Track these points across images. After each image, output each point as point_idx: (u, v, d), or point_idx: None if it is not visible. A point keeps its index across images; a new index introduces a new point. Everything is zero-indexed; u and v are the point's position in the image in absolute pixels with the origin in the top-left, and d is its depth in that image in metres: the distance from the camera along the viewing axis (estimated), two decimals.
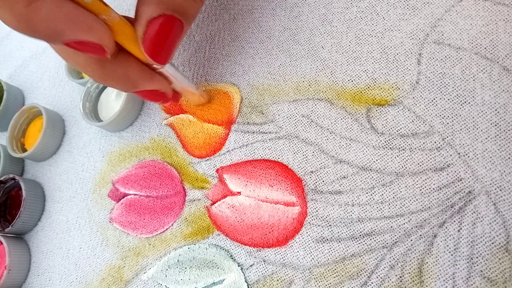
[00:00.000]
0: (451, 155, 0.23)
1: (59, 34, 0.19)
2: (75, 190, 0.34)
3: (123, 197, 0.32)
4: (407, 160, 0.23)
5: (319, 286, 0.23)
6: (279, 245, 0.25)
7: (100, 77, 0.24)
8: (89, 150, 0.35)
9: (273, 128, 0.28)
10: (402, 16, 0.26)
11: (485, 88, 0.23)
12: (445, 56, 0.24)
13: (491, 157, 0.22)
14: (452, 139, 0.23)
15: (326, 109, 0.27)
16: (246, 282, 0.25)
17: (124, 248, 0.30)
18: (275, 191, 0.26)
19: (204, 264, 0.27)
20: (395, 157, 0.24)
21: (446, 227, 0.21)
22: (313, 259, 0.24)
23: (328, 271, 0.23)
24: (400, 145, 0.24)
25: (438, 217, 0.22)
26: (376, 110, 0.25)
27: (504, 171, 0.21)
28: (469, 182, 0.22)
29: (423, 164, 0.23)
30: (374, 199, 0.23)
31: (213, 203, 0.28)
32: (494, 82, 0.23)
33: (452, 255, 0.21)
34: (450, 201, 0.22)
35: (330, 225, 0.24)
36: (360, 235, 0.23)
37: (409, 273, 0.21)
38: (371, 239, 0.23)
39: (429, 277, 0.21)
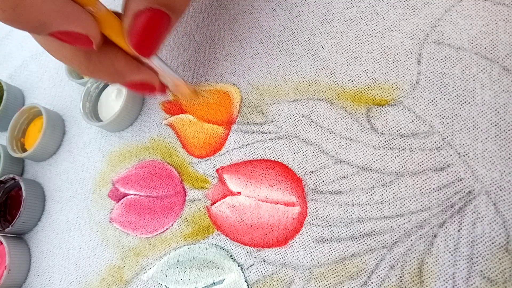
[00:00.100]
0: (451, 155, 0.23)
1: (46, 25, 0.19)
2: (75, 190, 0.34)
3: (123, 197, 0.32)
4: (407, 160, 0.23)
5: (319, 286, 0.23)
6: (279, 245, 0.25)
7: (87, 70, 0.24)
8: (89, 150, 0.35)
9: (273, 128, 0.28)
10: (402, 16, 0.26)
11: (485, 88, 0.23)
12: (445, 56, 0.24)
13: (491, 157, 0.22)
14: (452, 139, 0.23)
15: (326, 109, 0.27)
16: (246, 282, 0.25)
17: (124, 248, 0.30)
18: (275, 191, 0.26)
19: (204, 264, 0.27)
20: (395, 157, 0.24)
21: (446, 227, 0.21)
22: (313, 259, 0.24)
23: (328, 271, 0.23)
24: (400, 145, 0.24)
25: (438, 217, 0.22)
26: (376, 110, 0.25)
27: (504, 171, 0.21)
28: (469, 182, 0.22)
29: (423, 164, 0.23)
30: (374, 199, 0.23)
31: (213, 203, 0.28)
32: (494, 82, 0.23)
33: (452, 255, 0.21)
34: (450, 201, 0.22)
35: (330, 225, 0.24)
36: (360, 235, 0.23)
37: (409, 273, 0.21)
38: (371, 239, 0.23)
39: (429, 277, 0.21)
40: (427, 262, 0.21)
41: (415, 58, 0.25)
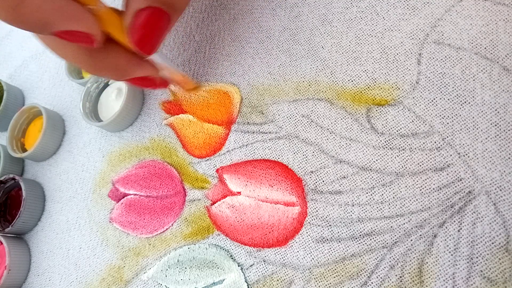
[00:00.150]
0: (451, 155, 0.23)
1: (48, 25, 0.19)
2: (75, 190, 0.34)
3: (123, 197, 0.32)
4: (407, 160, 0.23)
5: (319, 286, 0.23)
6: (279, 245, 0.25)
7: (90, 67, 0.24)
8: (89, 150, 0.35)
9: (273, 128, 0.28)
10: (402, 16, 0.26)
11: (485, 88, 0.23)
12: (445, 56, 0.24)
13: (491, 157, 0.22)
14: (452, 139, 0.23)
15: (326, 109, 0.27)
16: (246, 282, 0.25)
17: (124, 248, 0.30)
18: (275, 191, 0.26)
19: (204, 264, 0.27)
20: (395, 157, 0.24)
21: (446, 227, 0.21)
22: (313, 259, 0.24)
23: (328, 271, 0.23)
24: (400, 145, 0.24)
25: (438, 217, 0.22)
26: (376, 110, 0.25)
27: (504, 171, 0.21)
28: (469, 182, 0.22)
29: (423, 164, 0.23)
30: (374, 199, 0.23)
31: (213, 203, 0.28)
32: (494, 82, 0.23)
33: (452, 255, 0.21)
34: (450, 201, 0.22)
35: (330, 225, 0.24)
36: (360, 235, 0.23)
37: (409, 273, 0.21)
38: (371, 239, 0.23)
39: (429, 277, 0.21)
40: (427, 262, 0.21)
41: (415, 58, 0.25)
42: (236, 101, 0.30)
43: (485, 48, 0.23)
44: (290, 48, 0.29)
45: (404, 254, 0.22)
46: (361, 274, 0.22)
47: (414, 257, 0.22)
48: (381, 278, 0.22)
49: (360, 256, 0.23)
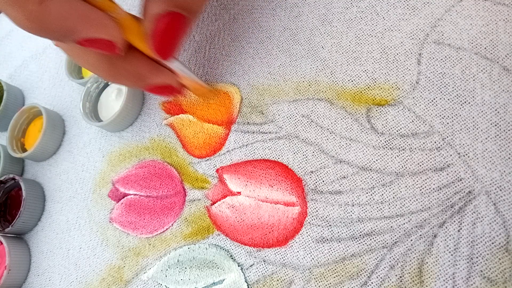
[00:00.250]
0: (451, 155, 0.23)
1: (72, 32, 0.19)
2: (75, 190, 0.34)
3: (123, 197, 0.32)
4: (407, 160, 0.23)
5: (319, 286, 0.23)
6: (279, 245, 0.25)
7: (110, 75, 0.24)
8: (89, 150, 0.35)
9: (273, 128, 0.28)
10: (402, 16, 0.26)
11: (485, 88, 0.23)
12: (445, 56, 0.24)
13: (491, 157, 0.22)
14: (452, 139, 0.23)
15: (326, 109, 0.27)
16: (246, 282, 0.25)
17: (124, 248, 0.30)
18: (275, 191, 0.26)
19: (204, 264, 0.27)
20: (395, 157, 0.24)
21: (446, 227, 0.21)
22: (313, 259, 0.24)
23: (328, 271, 0.23)
24: (400, 145, 0.24)
25: (438, 217, 0.22)
26: (376, 110, 0.25)
27: (504, 171, 0.21)
28: (469, 182, 0.22)
29: (423, 164, 0.23)
30: (374, 199, 0.23)
31: (213, 203, 0.28)
32: (494, 82, 0.23)
33: (452, 255, 0.21)
34: (450, 201, 0.22)
35: (330, 225, 0.24)
36: (360, 235, 0.23)
37: (409, 273, 0.21)
38: (371, 239, 0.23)
39: (429, 277, 0.21)
40: (427, 262, 0.21)
41: (415, 58, 0.25)
42: (236, 101, 0.30)
43: (485, 48, 0.23)
44: (290, 48, 0.29)
45: (404, 254, 0.22)
46: (361, 274, 0.22)
47: (414, 257, 0.22)
48: (381, 278, 0.22)
49: (360, 256, 0.23)
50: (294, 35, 0.29)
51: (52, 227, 0.34)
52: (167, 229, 0.29)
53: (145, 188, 0.31)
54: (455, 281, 0.20)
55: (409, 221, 0.22)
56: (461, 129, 0.23)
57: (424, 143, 0.23)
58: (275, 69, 0.29)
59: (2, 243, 0.33)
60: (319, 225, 0.24)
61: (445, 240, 0.21)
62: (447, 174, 0.22)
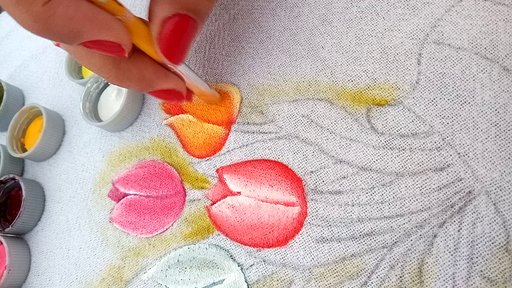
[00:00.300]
0: (451, 155, 0.23)
1: (77, 34, 0.19)
2: (75, 190, 0.34)
3: (123, 197, 0.32)
4: (407, 160, 0.23)
5: (319, 286, 0.23)
6: (279, 245, 0.25)
7: (116, 78, 0.24)
8: (89, 150, 0.35)
9: (273, 128, 0.28)
10: (402, 16, 0.26)
11: (485, 88, 0.23)
12: (445, 56, 0.24)
13: (491, 157, 0.22)
14: (452, 139, 0.23)
15: (326, 109, 0.27)
16: (246, 282, 0.25)
17: (124, 248, 0.30)
18: (275, 191, 0.26)
19: (204, 264, 0.27)
20: (395, 157, 0.24)
21: (446, 227, 0.21)
22: (313, 259, 0.24)
23: (328, 271, 0.23)
24: (400, 145, 0.24)
25: (438, 217, 0.22)
26: (376, 110, 0.25)
27: (504, 171, 0.21)
28: (469, 182, 0.22)
29: (423, 164, 0.23)
30: (374, 199, 0.23)
31: (213, 203, 0.28)
32: (494, 82, 0.23)
33: (452, 255, 0.21)
34: (450, 201, 0.22)
35: (330, 225, 0.24)
36: (360, 235, 0.23)
37: (409, 273, 0.21)
38: (371, 239, 0.23)
39: (429, 277, 0.21)
40: (427, 262, 0.21)
41: (415, 58, 0.25)
42: (236, 101, 0.30)
43: (485, 48, 0.23)
44: (290, 48, 0.29)
45: (404, 254, 0.22)
46: (361, 274, 0.22)
47: (414, 257, 0.22)
48: (381, 278, 0.22)
49: (360, 256, 0.23)
50: (294, 35, 0.29)
51: (52, 227, 0.34)
52: (167, 229, 0.29)
53: (145, 188, 0.31)
54: (455, 281, 0.20)
55: (409, 221, 0.22)
56: (461, 129, 0.23)
57: (424, 143, 0.23)
58: (275, 69, 0.29)
59: (2, 243, 0.33)
60: (319, 225, 0.24)
61: (445, 240, 0.21)
62: (447, 174, 0.22)
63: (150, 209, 0.30)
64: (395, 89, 0.25)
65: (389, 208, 0.23)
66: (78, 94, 0.39)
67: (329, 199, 0.24)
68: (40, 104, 0.38)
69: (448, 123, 0.23)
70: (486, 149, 0.22)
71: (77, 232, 0.33)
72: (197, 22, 0.23)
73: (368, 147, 0.25)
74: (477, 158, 0.22)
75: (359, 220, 0.23)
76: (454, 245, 0.21)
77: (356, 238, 0.23)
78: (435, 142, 0.23)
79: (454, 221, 0.21)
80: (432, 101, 0.24)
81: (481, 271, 0.20)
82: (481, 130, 0.22)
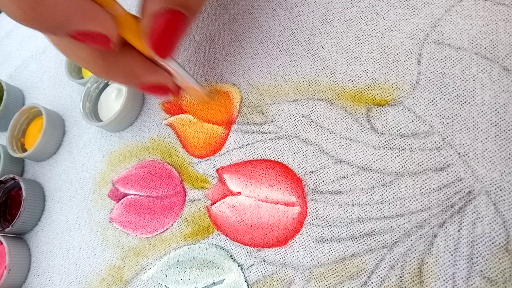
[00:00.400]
0: (451, 155, 0.23)
1: (65, 25, 0.19)
2: (75, 190, 0.34)
3: (123, 197, 0.32)
4: (407, 160, 0.23)
5: (319, 286, 0.23)
6: (279, 245, 0.25)
7: (103, 72, 0.24)
8: (89, 150, 0.35)
9: (273, 128, 0.28)
10: (402, 16, 0.26)
11: (485, 88, 0.23)
12: (445, 56, 0.24)
13: (491, 157, 0.22)
14: (452, 139, 0.23)
15: (326, 109, 0.27)
16: (246, 282, 0.25)
17: (124, 248, 0.30)
18: (275, 191, 0.26)
19: (204, 264, 0.27)
20: (395, 157, 0.24)
21: (446, 227, 0.21)
22: (313, 259, 0.24)
23: (328, 271, 0.23)
24: (400, 145, 0.24)
25: (438, 217, 0.22)
26: (376, 110, 0.25)
27: (504, 171, 0.21)
28: (469, 182, 0.22)
29: (423, 164, 0.23)
30: (374, 199, 0.23)
31: (213, 203, 0.28)
32: (494, 82, 0.23)
33: (452, 255, 0.21)
34: (450, 201, 0.22)
35: (330, 225, 0.24)
36: (360, 235, 0.23)
37: (409, 273, 0.21)
38: (371, 239, 0.23)
39: (429, 277, 0.21)
40: (427, 262, 0.21)
41: (415, 58, 0.25)
42: (236, 101, 0.30)
43: (485, 48, 0.23)
44: (290, 48, 0.29)
45: (404, 254, 0.22)
46: (361, 274, 0.22)
47: (414, 257, 0.22)
48: (381, 278, 0.22)
49: (360, 256, 0.23)
50: (294, 35, 0.29)
51: (52, 227, 0.34)
52: (167, 229, 0.29)
53: (145, 188, 0.31)
54: (455, 281, 0.20)
55: (409, 221, 0.22)
56: (461, 129, 0.23)
57: (424, 143, 0.23)
58: (275, 69, 0.29)
59: (2, 243, 0.33)
60: (319, 225, 0.24)
61: (445, 240, 0.21)
62: (447, 174, 0.22)
63: (150, 209, 0.30)
64: (395, 89, 0.25)
65: (389, 208, 0.23)
66: (78, 94, 0.39)
67: (329, 199, 0.24)
68: (40, 104, 0.38)
69: (448, 123, 0.23)
70: (486, 149, 0.22)
71: (77, 232, 0.33)
72: (187, 17, 0.23)
73: (368, 147, 0.25)
74: (477, 158, 0.22)
75: (359, 220, 0.23)
76: (454, 245, 0.21)
77: (356, 238, 0.23)
78: (435, 142, 0.23)
79: (454, 221, 0.21)
80: (432, 101, 0.24)
81: (481, 271, 0.20)
82: (481, 130, 0.22)
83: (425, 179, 0.23)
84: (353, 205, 0.24)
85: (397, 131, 0.24)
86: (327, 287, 0.23)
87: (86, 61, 0.23)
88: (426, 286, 0.21)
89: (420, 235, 0.22)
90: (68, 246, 0.32)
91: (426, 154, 0.23)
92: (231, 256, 0.26)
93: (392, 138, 0.24)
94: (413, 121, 0.24)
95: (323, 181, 0.25)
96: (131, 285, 0.28)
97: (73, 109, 0.38)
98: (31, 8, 0.18)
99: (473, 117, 0.23)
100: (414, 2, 0.26)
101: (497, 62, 0.23)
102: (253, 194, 0.27)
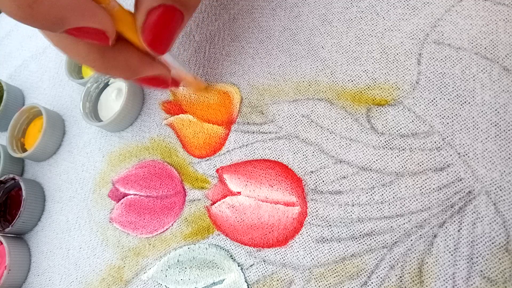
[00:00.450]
0: (451, 155, 0.23)
1: (62, 21, 0.19)
2: (75, 190, 0.34)
3: (123, 197, 0.32)
4: (407, 160, 0.23)
5: (319, 286, 0.23)
6: (279, 245, 0.25)
7: (101, 66, 0.24)
8: (89, 150, 0.35)
9: (273, 128, 0.28)
10: (402, 16, 0.26)
11: (485, 88, 0.23)
12: (445, 56, 0.24)
13: (491, 157, 0.22)
14: (452, 139, 0.23)
15: (326, 109, 0.27)
16: (246, 282, 0.25)
17: (124, 248, 0.30)
18: (275, 191, 0.26)
19: (204, 264, 0.27)
20: (395, 157, 0.24)
21: (446, 227, 0.21)
22: (313, 259, 0.24)
23: (328, 271, 0.23)
24: (400, 145, 0.24)
25: (438, 217, 0.22)
26: (376, 110, 0.25)
27: (504, 171, 0.21)
28: (469, 182, 0.22)
29: (423, 164, 0.23)
30: (374, 199, 0.23)
31: (213, 203, 0.28)
32: (494, 82, 0.23)
33: (452, 255, 0.21)
34: (450, 201, 0.22)
35: (330, 225, 0.24)
36: (360, 235, 0.23)
37: (409, 273, 0.21)
38: (371, 239, 0.23)
39: (429, 277, 0.21)
40: (427, 262, 0.21)
41: (415, 58, 0.25)
42: (236, 101, 0.30)
43: (485, 48, 0.23)
44: (290, 48, 0.29)
45: (404, 254, 0.22)
46: (361, 274, 0.22)
47: (414, 257, 0.22)
48: (381, 278, 0.22)
49: (360, 256, 0.23)
50: (294, 35, 0.29)
51: (52, 227, 0.34)
52: (167, 229, 0.29)
53: (145, 188, 0.31)
54: (455, 281, 0.20)
55: (409, 221, 0.22)
56: (461, 129, 0.23)
57: (424, 143, 0.23)
58: (275, 69, 0.29)
59: (2, 243, 0.33)
60: (319, 225, 0.24)
61: (445, 240, 0.21)
62: (447, 174, 0.22)
63: (150, 209, 0.30)
64: (395, 89, 0.25)
65: (389, 208, 0.23)
66: (78, 94, 0.39)
67: (329, 199, 0.24)
68: (40, 104, 0.38)
69: (448, 123, 0.23)
70: (486, 149, 0.22)
71: (77, 232, 0.33)
72: (183, 14, 0.23)
73: (368, 147, 0.25)
74: (477, 158, 0.22)
75: (359, 220, 0.23)
76: (454, 245, 0.21)
77: (356, 238, 0.23)
78: (435, 142, 0.23)
79: (454, 221, 0.21)
80: (432, 101, 0.24)
81: (481, 271, 0.20)
82: (481, 130, 0.22)
83: (425, 179, 0.23)
84: (353, 205, 0.24)
85: (397, 131, 0.24)
86: (327, 287, 0.23)
87: (84, 57, 0.23)
88: (426, 286, 0.21)
89: (420, 235, 0.22)
90: (68, 246, 0.32)
91: (426, 154, 0.23)
92: (231, 256, 0.26)
93: (392, 138, 0.24)
94: (413, 121, 0.24)
95: (323, 181, 0.25)
96: (131, 285, 0.28)
97: (73, 109, 0.38)
98: (28, 6, 0.18)
99: (473, 117, 0.23)
100: (414, 2, 0.26)
101: (497, 62, 0.23)
102: (253, 194, 0.27)
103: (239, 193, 0.27)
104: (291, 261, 0.24)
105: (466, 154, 0.22)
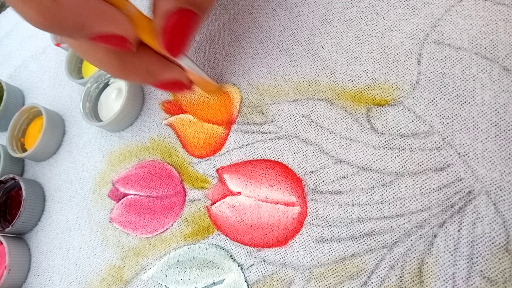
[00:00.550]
0: (451, 155, 0.23)
1: (85, 28, 0.19)
2: (75, 190, 0.34)
3: (123, 197, 0.32)
4: (407, 160, 0.23)
5: (319, 286, 0.23)
6: (279, 245, 0.25)
7: (120, 72, 0.24)
8: (89, 150, 0.35)
9: (273, 128, 0.28)
10: (402, 16, 0.26)
11: (485, 88, 0.23)
12: (445, 56, 0.24)
13: (491, 157, 0.22)
14: (452, 139, 0.23)
15: (326, 109, 0.27)
16: (246, 282, 0.25)
17: (124, 248, 0.30)
18: (275, 191, 0.26)
19: (204, 264, 0.27)
20: (395, 157, 0.24)
21: (446, 227, 0.21)
22: (313, 259, 0.24)
23: (328, 271, 0.23)
24: (400, 145, 0.24)
25: (438, 217, 0.22)
26: (376, 110, 0.25)
27: (504, 171, 0.21)
28: (469, 182, 0.22)
29: (423, 164, 0.23)
30: (374, 199, 0.23)
31: (213, 203, 0.28)
32: (494, 82, 0.23)
33: (452, 255, 0.21)
34: (450, 201, 0.22)
35: (330, 225, 0.24)
36: (360, 235, 0.23)
37: (409, 273, 0.21)
38: (371, 239, 0.23)
39: (429, 277, 0.21)
40: (427, 262, 0.21)
41: (415, 58, 0.25)
42: (236, 101, 0.30)
43: (485, 48, 0.23)
44: (290, 48, 0.29)
45: (404, 254, 0.22)
46: (361, 274, 0.22)
47: (414, 257, 0.22)
48: (381, 278, 0.22)
49: (360, 256, 0.23)
50: (294, 35, 0.29)
51: (52, 227, 0.34)
52: (167, 229, 0.29)
53: (145, 188, 0.31)
54: (455, 281, 0.20)
55: (409, 221, 0.22)
56: (461, 129, 0.23)
57: (424, 143, 0.23)
58: (275, 69, 0.29)
59: (2, 243, 0.33)
60: (319, 225, 0.24)
61: (445, 240, 0.21)
62: (447, 174, 0.22)
63: (150, 209, 0.30)
64: (395, 89, 0.25)
65: (389, 208, 0.23)
66: (78, 94, 0.39)
67: (329, 199, 0.24)
68: (40, 104, 0.38)
69: (448, 123, 0.23)
70: (486, 149, 0.22)
71: (77, 232, 0.33)
72: (198, 16, 0.23)
73: (368, 147, 0.25)
74: (477, 158, 0.22)
75: (359, 220, 0.23)
76: (454, 245, 0.21)
77: (356, 238, 0.23)
78: (435, 142, 0.23)
79: (454, 221, 0.21)
80: (432, 101, 0.24)
81: (481, 271, 0.20)
82: (481, 130, 0.22)
83: (425, 179, 0.23)
84: (353, 205, 0.24)
85: (397, 131, 0.24)
86: (327, 287, 0.23)
87: (103, 62, 0.23)
88: (426, 286, 0.21)
89: (420, 235, 0.22)
90: (68, 246, 0.32)
91: (426, 154, 0.23)
92: (231, 256, 0.26)
93: (392, 138, 0.24)
94: (413, 121, 0.24)
95: (323, 181, 0.25)
96: (131, 285, 0.28)
97: (73, 109, 0.38)
98: (51, 13, 0.18)
99: (473, 117, 0.23)
100: (414, 2, 0.26)
101: (497, 62, 0.23)
102: (253, 194, 0.27)
103: (239, 193, 0.27)
104: (291, 261, 0.24)
105: (466, 154, 0.22)
